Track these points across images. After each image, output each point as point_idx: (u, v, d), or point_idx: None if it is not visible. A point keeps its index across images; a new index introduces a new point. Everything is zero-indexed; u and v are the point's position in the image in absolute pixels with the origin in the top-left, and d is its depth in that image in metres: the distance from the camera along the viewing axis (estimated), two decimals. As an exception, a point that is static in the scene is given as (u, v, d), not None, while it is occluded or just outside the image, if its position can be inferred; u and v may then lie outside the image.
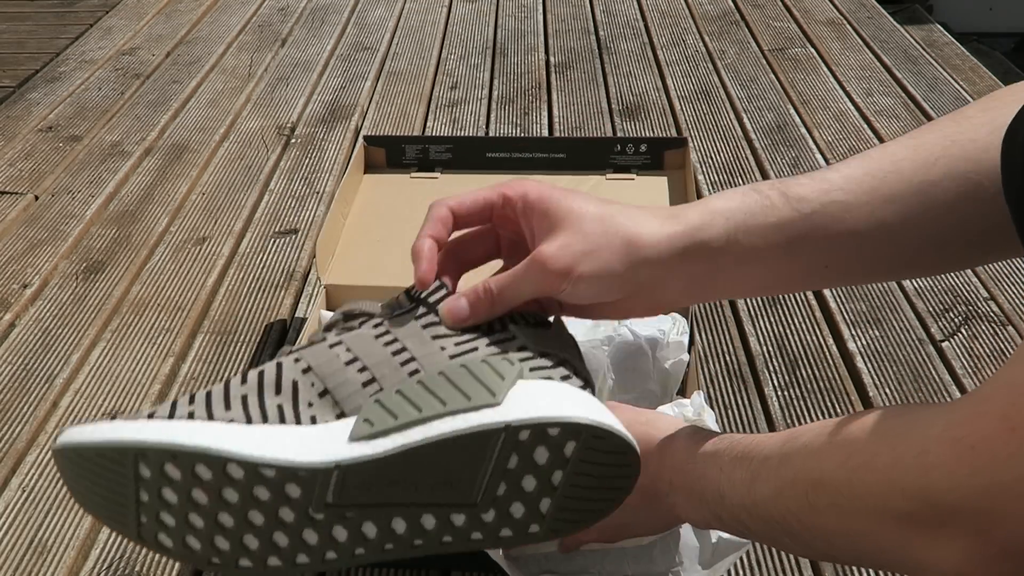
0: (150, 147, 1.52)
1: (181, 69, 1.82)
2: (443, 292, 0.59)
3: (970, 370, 0.99)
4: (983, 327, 1.06)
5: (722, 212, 0.57)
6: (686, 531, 0.68)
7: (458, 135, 1.53)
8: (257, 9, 2.12)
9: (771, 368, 1.01)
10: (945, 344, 1.03)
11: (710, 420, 0.71)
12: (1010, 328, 1.05)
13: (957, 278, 1.14)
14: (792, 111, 1.58)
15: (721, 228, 0.57)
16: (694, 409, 0.72)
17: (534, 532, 0.55)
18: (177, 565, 0.80)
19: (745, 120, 1.55)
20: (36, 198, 1.38)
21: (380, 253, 1.04)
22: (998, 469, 0.39)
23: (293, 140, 1.54)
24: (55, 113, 1.65)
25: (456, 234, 0.62)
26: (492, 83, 1.73)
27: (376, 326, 0.58)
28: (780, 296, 1.11)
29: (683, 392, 0.87)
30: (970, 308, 1.09)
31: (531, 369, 0.56)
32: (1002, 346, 1.03)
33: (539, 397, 0.53)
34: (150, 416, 0.52)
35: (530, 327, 0.59)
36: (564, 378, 0.56)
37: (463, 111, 1.62)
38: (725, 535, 0.67)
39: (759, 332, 1.06)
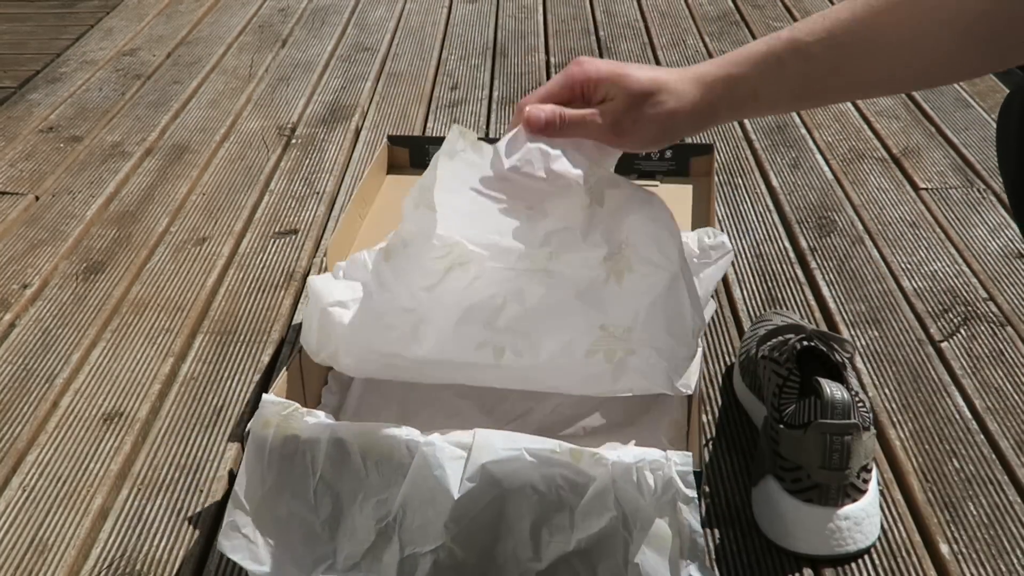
0: (150, 147, 1.53)
1: (182, 70, 1.82)
2: None
3: (969, 370, 0.99)
4: (982, 327, 1.06)
5: (744, 82, 0.73)
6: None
7: (483, 137, 1.52)
8: (257, 10, 2.12)
9: (770, 368, 1.01)
10: (944, 344, 1.03)
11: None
12: (1009, 328, 1.06)
13: (956, 279, 1.14)
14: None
15: (742, 95, 0.73)
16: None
17: None
18: (178, 564, 0.80)
19: (745, 120, 1.55)
20: (37, 198, 1.38)
21: None
22: None
23: (293, 140, 1.54)
24: (56, 114, 1.65)
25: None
26: (492, 84, 1.73)
27: None
28: (780, 297, 1.11)
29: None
30: (969, 308, 1.09)
31: None
32: (1001, 346, 1.03)
33: None
34: None
35: None
36: None
37: (463, 112, 1.62)
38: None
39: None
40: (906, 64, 0.72)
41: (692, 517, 0.67)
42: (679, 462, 0.67)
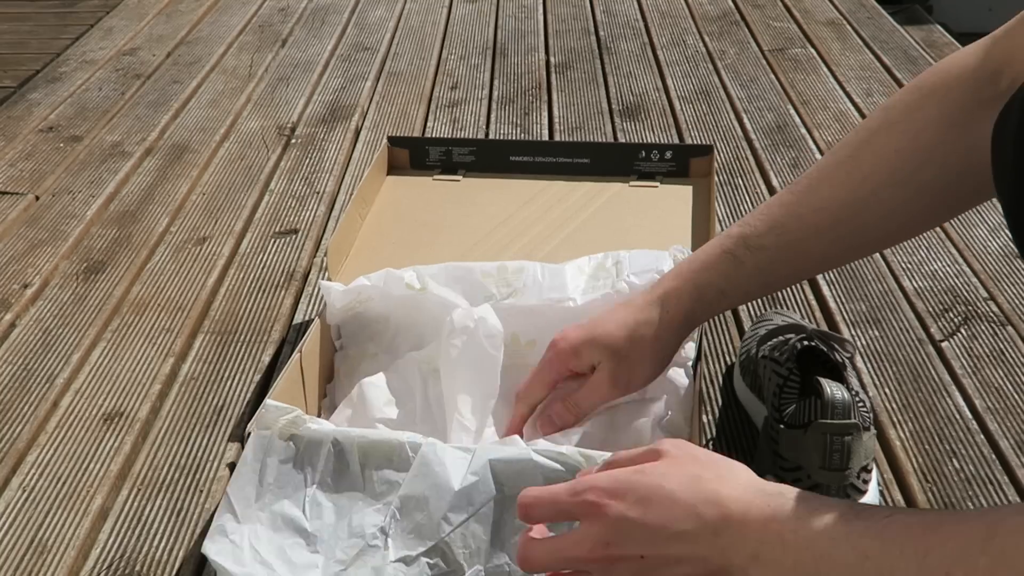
0: (151, 147, 1.53)
1: (182, 69, 1.82)
2: None
3: (969, 370, 0.99)
4: (983, 327, 1.06)
5: (709, 287, 0.76)
6: None
7: (482, 137, 1.51)
8: (257, 9, 2.12)
9: (771, 368, 1.01)
10: (945, 344, 1.03)
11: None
12: (1009, 328, 1.05)
13: (957, 278, 1.14)
14: (792, 111, 1.58)
15: (711, 299, 0.77)
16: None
17: None
18: (178, 565, 0.80)
19: (745, 120, 1.55)
20: (37, 198, 1.38)
21: (395, 256, 1.02)
22: None
23: (293, 140, 1.54)
24: (56, 113, 1.65)
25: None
26: (492, 83, 1.73)
27: None
28: (780, 296, 1.11)
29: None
30: (970, 308, 1.09)
31: None
32: (1001, 346, 1.03)
33: None
34: None
35: None
36: None
37: (463, 111, 1.62)
38: None
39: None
40: (858, 231, 0.72)
41: None
42: None
